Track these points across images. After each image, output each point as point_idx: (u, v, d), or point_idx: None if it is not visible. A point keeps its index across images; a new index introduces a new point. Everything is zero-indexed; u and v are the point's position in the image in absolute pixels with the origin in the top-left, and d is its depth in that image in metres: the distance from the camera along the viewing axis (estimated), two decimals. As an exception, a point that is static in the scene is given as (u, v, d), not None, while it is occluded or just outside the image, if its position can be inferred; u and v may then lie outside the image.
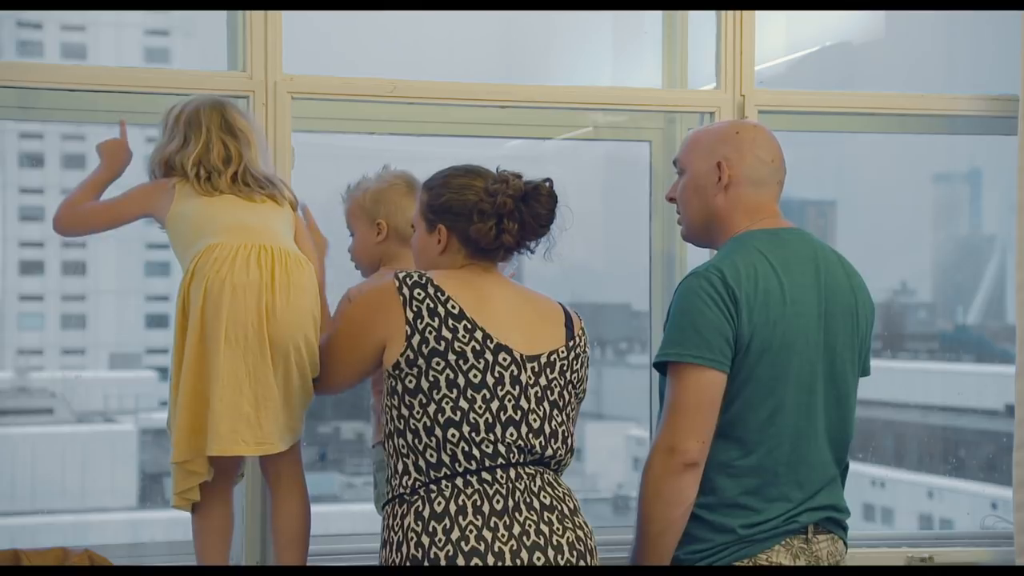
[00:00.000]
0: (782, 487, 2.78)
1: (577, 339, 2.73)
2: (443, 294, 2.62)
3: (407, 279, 2.62)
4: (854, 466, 2.96)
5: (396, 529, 2.60)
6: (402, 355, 2.60)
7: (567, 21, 4.40)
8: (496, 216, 2.65)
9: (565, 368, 2.69)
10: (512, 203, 2.65)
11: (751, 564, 2.76)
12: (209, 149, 2.85)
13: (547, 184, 2.68)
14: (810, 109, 3.73)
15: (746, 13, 3.60)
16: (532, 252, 2.72)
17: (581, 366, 2.74)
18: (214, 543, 2.88)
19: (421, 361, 2.59)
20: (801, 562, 2.79)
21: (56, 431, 19.54)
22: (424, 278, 2.63)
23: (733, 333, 2.72)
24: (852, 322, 2.87)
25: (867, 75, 4.60)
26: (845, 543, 2.90)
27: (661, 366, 2.79)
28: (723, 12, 3.60)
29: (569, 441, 2.70)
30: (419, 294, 2.61)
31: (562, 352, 2.69)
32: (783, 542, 2.78)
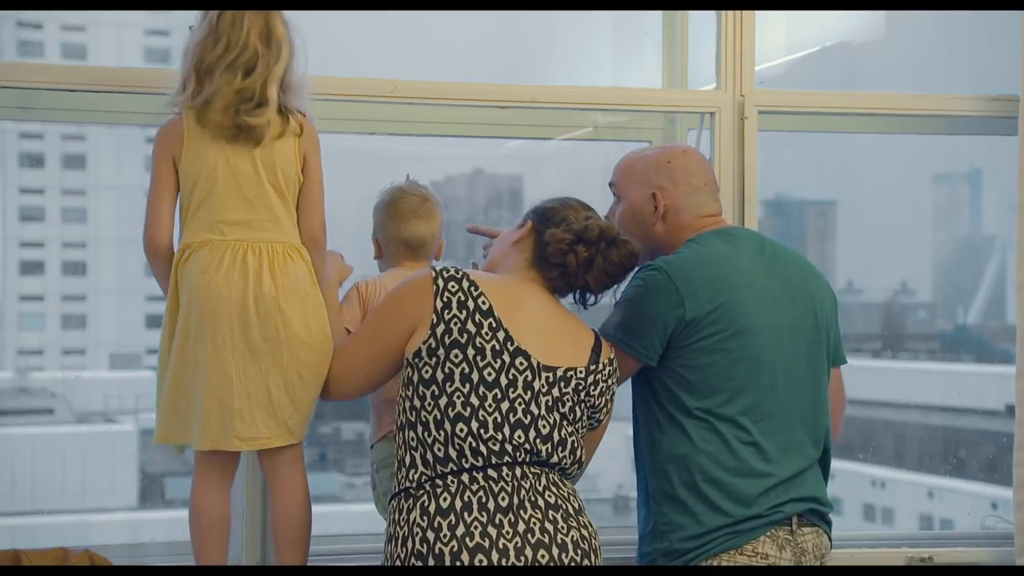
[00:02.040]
0: (767, 454, 2.82)
1: (601, 366, 2.73)
2: (476, 289, 2.65)
3: (444, 272, 2.67)
4: (854, 466, 2.99)
5: (402, 523, 2.61)
6: (424, 343, 2.62)
7: (567, 21, 4.40)
8: (576, 236, 2.71)
9: (580, 388, 2.70)
10: (596, 234, 2.71)
11: (737, 555, 2.80)
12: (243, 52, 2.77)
13: (633, 249, 2.74)
14: (810, 109, 3.73)
15: (746, 13, 3.60)
16: (585, 302, 2.80)
17: (600, 394, 2.74)
18: (211, 542, 2.87)
19: (441, 351, 2.61)
20: (787, 553, 2.83)
21: (56, 431, 19.55)
22: (461, 273, 2.67)
23: (675, 323, 2.81)
24: (812, 307, 2.94)
25: (867, 75, 4.60)
26: (830, 537, 2.93)
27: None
28: (723, 12, 3.60)
29: (578, 452, 2.71)
30: (452, 287, 2.65)
31: (580, 372, 2.70)
32: (768, 533, 2.81)
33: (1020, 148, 3.63)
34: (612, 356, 2.78)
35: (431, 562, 2.54)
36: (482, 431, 2.60)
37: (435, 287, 2.65)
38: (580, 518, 2.65)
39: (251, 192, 2.78)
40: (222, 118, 2.76)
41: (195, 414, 2.77)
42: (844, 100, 3.74)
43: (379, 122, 3.63)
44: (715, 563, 2.79)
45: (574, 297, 2.81)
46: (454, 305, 2.63)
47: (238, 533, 3.23)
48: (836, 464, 3.02)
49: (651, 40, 3.87)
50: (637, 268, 2.87)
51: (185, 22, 2.91)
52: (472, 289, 2.65)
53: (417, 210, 3.12)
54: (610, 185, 3.07)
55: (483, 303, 2.64)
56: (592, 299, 2.81)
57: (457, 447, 2.60)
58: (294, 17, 3.06)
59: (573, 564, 2.59)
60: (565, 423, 2.68)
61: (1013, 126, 3.67)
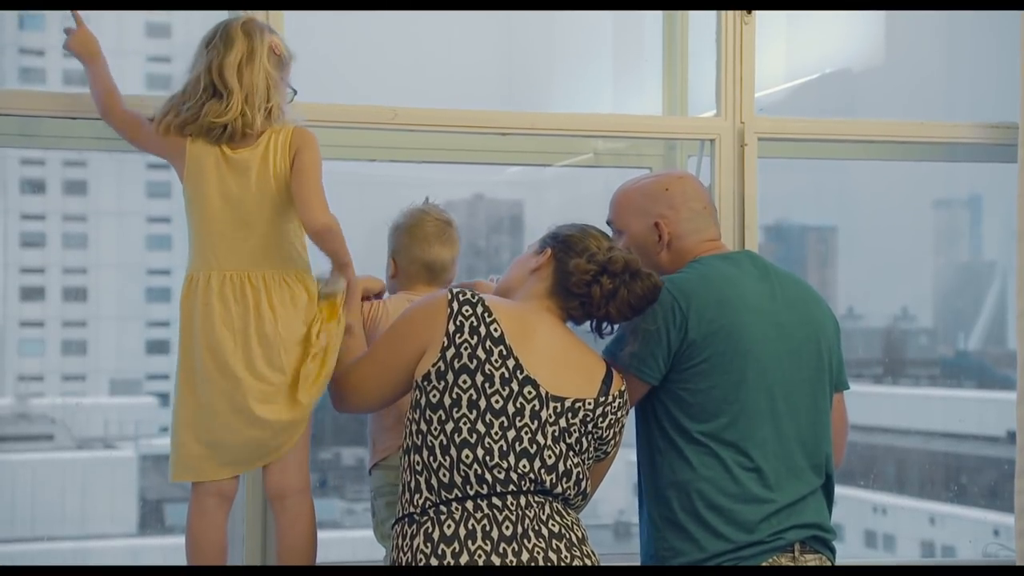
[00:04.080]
0: (768, 480, 2.82)
1: (611, 398, 2.73)
2: (489, 315, 2.65)
3: (460, 295, 2.66)
4: (855, 492, 2.98)
5: (405, 549, 2.61)
6: (434, 365, 2.62)
7: (568, 48, 4.41)
8: (601, 267, 2.71)
9: (588, 419, 2.70)
10: (621, 266, 2.71)
11: None
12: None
13: (656, 282, 2.74)
14: (810, 136, 3.73)
15: (746, 41, 3.60)
16: (601, 330, 2.79)
17: (608, 426, 2.73)
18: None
19: (450, 375, 2.61)
20: None
21: (56, 457, 19.52)
22: (476, 297, 2.67)
23: (675, 344, 2.80)
24: (814, 333, 2.93)
25: (867, 102, 4.62)
26: (833, 564, 2.91)
27: None
28: (723, 39, 3.60)
29: (583, 484, 2.71)
30: (467, 311, 2.64)
31: (589, 403, 2.70)
32: (770, 560, 2.80)
33: (1020, 175, 3.64)
34: (623, 389, 2.77)
35: None
36: (488, 458, 2.60)
37: (449, 309, 2.64)
38: (584, 547, 2.65)
39: (248, 221, 2.79)
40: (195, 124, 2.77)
41: (202, 447, 2.77)
42: (844, 127, 3.75)
43: (380, 149, 3.63)
44: None
45: (591, 326, 2.80)
46: (466, 330, 2.63)
47: (238, 537, 3.21)
48: (837, 490, 3.01)
49: (651, 67, 3.89)
50: None
51: (186, 49, 2.92)
52: (486, 315, 2.65)
53: (441, 235, 3.12)
54: (608, 223, 3.06)
55: (495, 330, 2.64)
56: (609, 329, 2.80)
57: (462, 473, 2.59)
58: (294, 44, 3.08)
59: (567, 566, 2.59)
60: (571, 454, 2.68)
61: (1013, 153, 3.67)
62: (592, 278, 2.71)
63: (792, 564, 2.82)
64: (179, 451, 2.79)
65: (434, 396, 2.62)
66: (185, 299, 2.79)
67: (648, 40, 3.92)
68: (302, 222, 2.80)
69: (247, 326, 2.74)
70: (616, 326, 2.82)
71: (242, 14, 3.02)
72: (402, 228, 3.13)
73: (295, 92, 2.92)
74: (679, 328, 2.81)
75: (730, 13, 3.58)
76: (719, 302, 2.83)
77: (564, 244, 2.77)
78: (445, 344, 2.63)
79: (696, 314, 2.81)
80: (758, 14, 3.60)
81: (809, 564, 2.84)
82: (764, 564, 2.79)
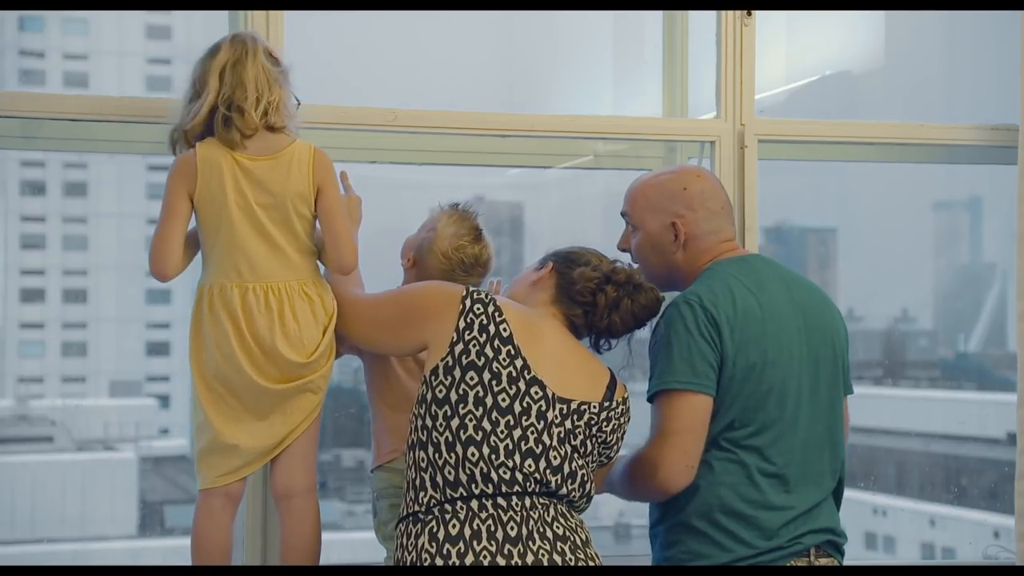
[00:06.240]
0: (788, 486, 2.82)
1: (615, 404, 2.74)
2: (500, 315, 2.67)
3: (475, 294, 2.69)
4: (855, 494, 2.97)
5: (410, 548, 2.61)
6: (442, 360, 2.64)
7: (568, 50, 4.41)
8: (605, 276, 2.75)
9: (593, 423, 2.71)
10: (624, 277, 2.76)
11: None
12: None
13: (658, 296, 2.79)
14: (810, 138, 3.73)
15: (746, 43, 3.60)
16: (599, 346, 2.81)
17: (612, 431, 2.74)
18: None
19: (457, 371, 2.63)
20: None
21: (56, 459, 19.54)
22: (489, 298, 2.69)
23: (717, 355, 2.80)
24: (830, 338, 2.93)
25: (867, 104, 4.62)
26: (841, 566, 2.92)
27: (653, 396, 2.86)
28: (723, 41, 3.60)
29: (587, 486, 2.72)
30: (478, 309, 2.67)
31: (594, 407, 2.71)
32: (788, 564, 2.80)
33: (1020, 177, 3.64)
34: (626, 395, 2.78)
35: None
36: (493, 457, 2.61)
37: (462, 306, 2.67)
38: (588, 550, 2.66)
39: (265, 231, 2.78)
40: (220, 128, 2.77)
41: (230, 451, 2.78)
42: (844, 129, 3.75)
43: (380, 151, 3.63)
44: None
45: (590, 341, 2.81)
46: (476, 327, 2.65)
47: (238, 538, 3.21)
48: (837, 492, 3.02)
49: (651, 69, 3.89)
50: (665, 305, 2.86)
51: (186, 51, 2.91)
52: (496, 314, 2.67)
53: (482, 275, 3.08)
54: (623, 214, 3.05)
55: (504, 330, 2.66)
56: (607, 344, 2.81)
57: (468, 471, 2.60)
58: (294, 47, 3.09)
59: (568, 566, 2.60)
60: (576, 456, 2.68)
61: (1013, 155, 3.68)
62: (596, 286, 2.74)
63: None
64: (213, 453, 2.79)
65: (440, 391, 2.63)
66: (207, 310, 2.77)
67: (648, 42, 3.92)
68: (329, 261, 2.82)
69: (273, 335, 2.74)
70: (615, 341, 2.82)
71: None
72: (456, 251, 3.04)
73: (299, 102, 2.92)
74: (714, 341, 2.80)
75: (730, 14, 3.58)
76: (744, 312, 2.83)
77: (565, 258, 2.81)
78: (454, 339, 2.64)
79: (727, 326, 2.80)
80: (758, 16, 3.60)
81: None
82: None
